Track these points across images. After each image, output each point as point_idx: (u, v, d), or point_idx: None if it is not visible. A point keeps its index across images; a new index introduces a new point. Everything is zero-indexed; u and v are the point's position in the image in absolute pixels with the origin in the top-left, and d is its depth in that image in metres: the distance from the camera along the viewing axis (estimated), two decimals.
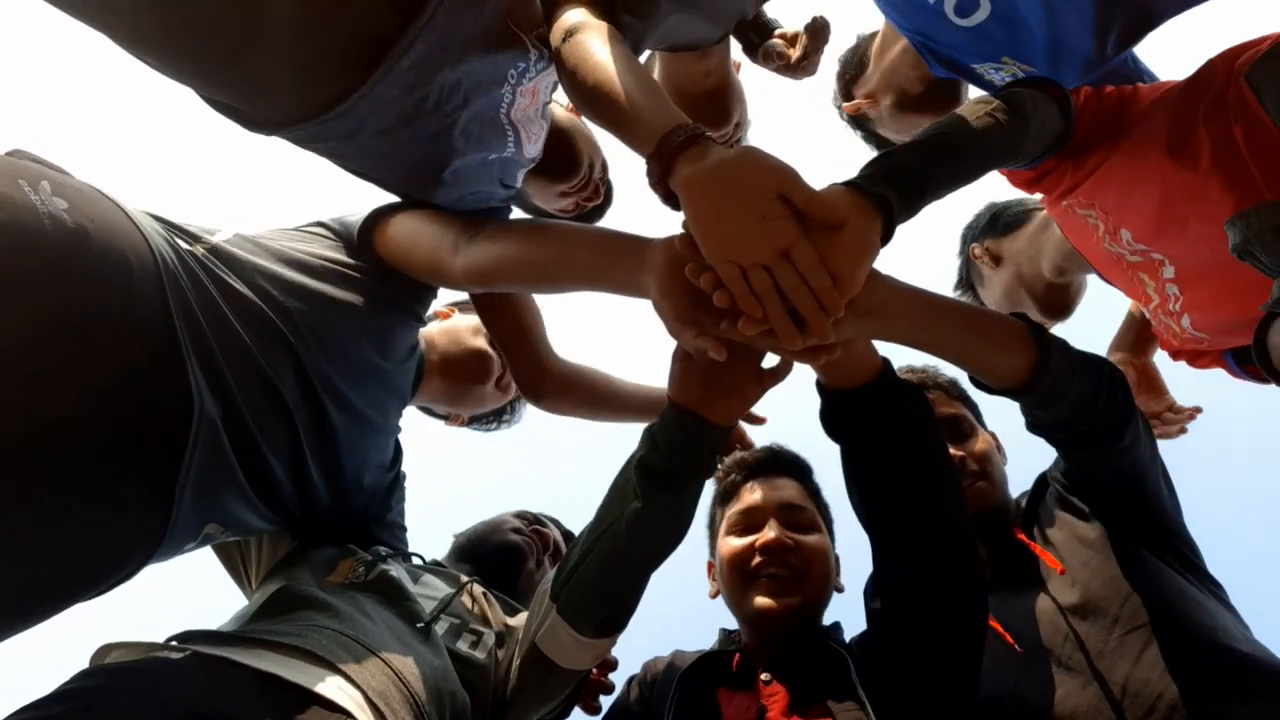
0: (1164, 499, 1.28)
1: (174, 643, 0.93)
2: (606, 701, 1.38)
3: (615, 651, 1.30)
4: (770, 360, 1.12)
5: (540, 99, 1.29)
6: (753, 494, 1.41)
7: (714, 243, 0.89)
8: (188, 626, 0.97)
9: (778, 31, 1.71)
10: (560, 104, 1.63)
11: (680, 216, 0.92)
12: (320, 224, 1.36)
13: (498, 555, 1.58)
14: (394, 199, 1.34)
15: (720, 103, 1.66)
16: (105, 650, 0.93)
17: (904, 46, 1.61)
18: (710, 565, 1.49)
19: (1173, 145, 1.25)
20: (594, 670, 1.30)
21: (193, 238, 1.09)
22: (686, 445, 1.10)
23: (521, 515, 1.72)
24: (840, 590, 1.42)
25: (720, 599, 1.45)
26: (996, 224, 1.89)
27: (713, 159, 0.88)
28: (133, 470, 0.91)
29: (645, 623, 1.21)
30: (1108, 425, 1.15)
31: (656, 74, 1.66)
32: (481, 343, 1.62)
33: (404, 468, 1.52)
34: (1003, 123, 1.14)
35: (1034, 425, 1.21)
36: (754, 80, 1.78)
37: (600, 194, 1.76)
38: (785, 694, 1.21)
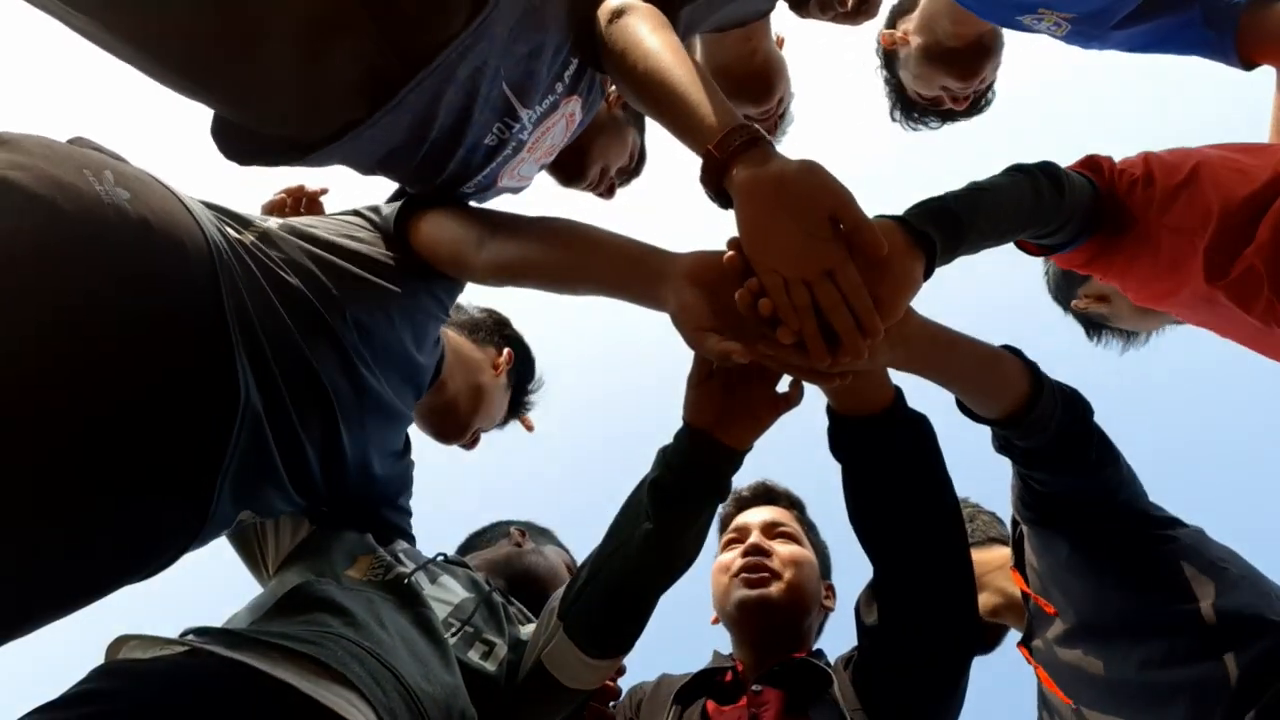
0: (1127, 503, 1.29)
1: (190, 637, 0.93)
2: None
3: None
4: (783, 385, 1.11)
5: (554, 136, 1.25)
6: (742, 517, 1.59)
7: (761, 250, 0.89)
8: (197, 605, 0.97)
9: None
10: None
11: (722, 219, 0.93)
12: (356, 212, 1.34)
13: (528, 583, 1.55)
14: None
15: (765, 80, 1.64)
16: (120, 642, 0.93)
17: None
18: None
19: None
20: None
21: (243, 224, 1.08)
22: (701, 468, 1.11)
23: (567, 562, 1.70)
24: (830, 609, 1.57)
25: (720, 628, 1.54)
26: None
27: (773, 167, 0.88)
28: (176, 463, 0.91)
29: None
30: (1076, 451, 1.20)
31: (698, 55, 1.62)
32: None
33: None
34: (1040, 189, 1.19)
35: (1004, 449, 1.26)
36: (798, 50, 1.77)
37: (614, 192, 1.73)
38: (778, 703, 1.26)
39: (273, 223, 1.15)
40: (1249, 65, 1.36)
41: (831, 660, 1.40)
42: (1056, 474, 1.24)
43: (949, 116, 1.91)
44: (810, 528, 1.61)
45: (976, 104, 1.88)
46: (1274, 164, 1.25)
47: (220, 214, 1.06)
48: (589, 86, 1.21)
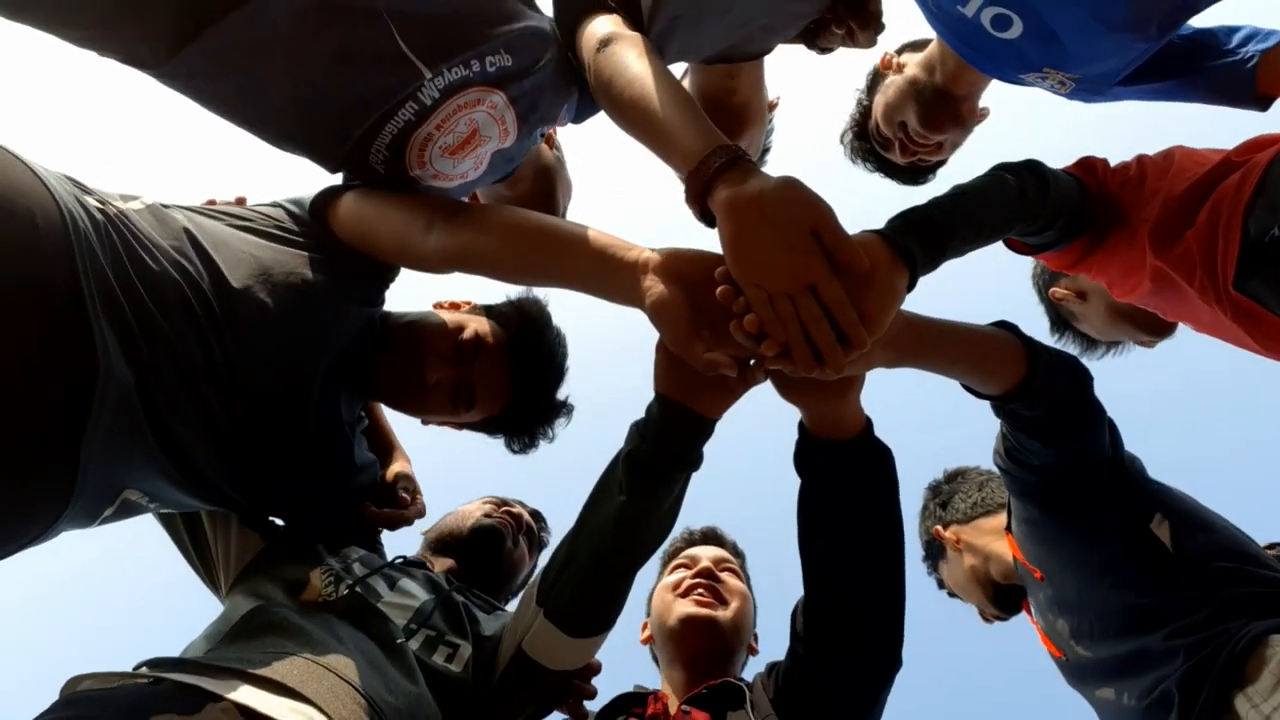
0: (1110, 472, 1.31)
1: (144, 669, 0.92)
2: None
3: None
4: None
5: (484, 144, 1.21)
6: (691, 550, 1.69)
7: (744, 266, 0.91)
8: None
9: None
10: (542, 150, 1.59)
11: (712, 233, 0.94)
12: (276, 204, 1.30)
13: (476, 542, 1.59)
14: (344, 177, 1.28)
15: (733, 122, 1.63)
16: (75, 681, 0.92)
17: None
18: (645, 624, 1.69)
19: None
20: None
21: (102, 200, 1.06)
22: (675, 437, 1.12)
23: (487, 500, 1.73)
24: (754, 654, 1.64)
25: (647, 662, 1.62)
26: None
27: (753, 185, 0.91)
28: (34, 431, 0.88)
29: None
30: (1074, 420, 1.24)
31: (688, 81, 1.64)
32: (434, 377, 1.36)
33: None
34: (1025, 187, 1.22)
35: (1005, 415, 1.29)
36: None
37: None
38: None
39: (137, 205, 1.11)
40: (1265, 104, 1.38)
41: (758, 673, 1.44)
42: (1050, 442, 1.25)
43: (888, 169, 1.94)
44: (748, 578, 1.70)
45: (918, 170, 1.91)
46: (1226, 152, 1.30)
47: (80, 187, 1.04)
48: (528, 101, 1.20)
